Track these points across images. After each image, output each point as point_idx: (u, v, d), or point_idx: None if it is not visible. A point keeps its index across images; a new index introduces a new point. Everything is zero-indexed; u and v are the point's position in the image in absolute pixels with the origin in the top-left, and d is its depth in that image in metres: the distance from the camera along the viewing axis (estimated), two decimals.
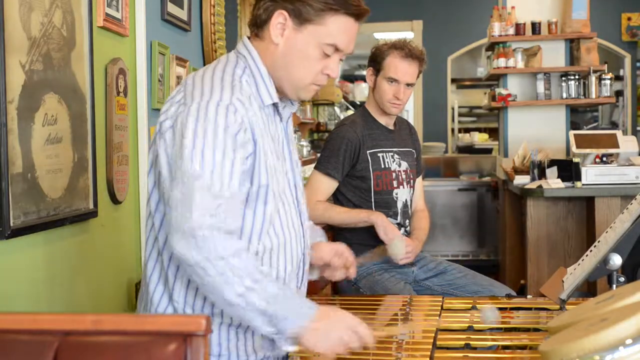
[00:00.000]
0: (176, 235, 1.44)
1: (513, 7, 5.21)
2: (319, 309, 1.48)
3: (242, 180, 1.51)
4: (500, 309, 2.14)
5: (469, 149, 7.89)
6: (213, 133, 1.47)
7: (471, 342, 1.77)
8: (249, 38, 1.67)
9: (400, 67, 2.78)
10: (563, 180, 4.35)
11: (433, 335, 1.83)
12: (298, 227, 1.69)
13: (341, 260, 1.89)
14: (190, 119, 1.49)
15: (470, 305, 2.14)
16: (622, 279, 1.87)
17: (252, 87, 1.61)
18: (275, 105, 1.66)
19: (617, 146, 4.41)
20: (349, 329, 1.48)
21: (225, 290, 1.43)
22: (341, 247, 1.90)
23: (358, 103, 8.10)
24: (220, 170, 1.46)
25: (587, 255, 1.96)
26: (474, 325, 1.93)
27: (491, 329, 1.92)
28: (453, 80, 8.54)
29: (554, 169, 4.43)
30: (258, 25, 1.63)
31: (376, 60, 2.84)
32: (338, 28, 1.58)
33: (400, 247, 2.60)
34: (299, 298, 1.50)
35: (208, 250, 1.42)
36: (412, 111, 8.35)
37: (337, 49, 1.60)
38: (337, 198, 2.88)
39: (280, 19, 1.58)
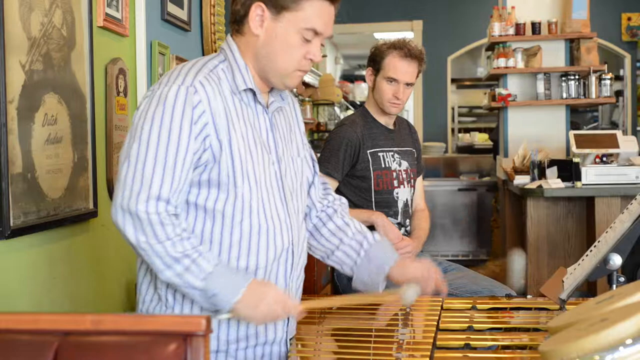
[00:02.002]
0: (120, 212, 1.52)
1: (513, 7, 5.21)
2: (250, 284, 1.56)
3: (192, 162, 1.56)
4: (500, 309, 2.15)
5: (469, 149, 7.89)
6: (169, 117, 1.53)
7: (471, 342, 1.77)
8: (231, 35, 1.72)
9: (399, 67, 2.77)
10: (563, 180, 4.35)
11: (433, 335, 1.83)
12: (284, 217, 1.71)
13: (432, 282, 1.88)
14: (151, 104, 1.56)
15: (470, 305, 2.14)
16: (622, 279, 1.87)
17: (228, 75, 1.66)
18: (253, 93, 1.69)
19: (617, 146, 4.41)
20: (277, 301, 1.58)
21: (164, 271, 1.52)
22: (430, 268, 1.89)
23: (358, 103, 8.10)
24: (171, 151, 1.53)
25: (587, 255, 1.96)
26: (474, 325, 1.93)
27: (491, 329, 1.92)
28: (453, 80, 8.54)
29: (554, 169, 4.43)
30: (237, 21, 1.68)
31: (375, 60, 2.84)
32: (314, 12, 1.62)
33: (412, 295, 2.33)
34: (232, 274, 1.57)
35: (149, 233, 1.51)
36: (412, 111, 8.35)
37: (316, 33, 1.64)
38: None
39: (258, 11, 1.63)
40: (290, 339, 1.79)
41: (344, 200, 2.04)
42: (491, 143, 7.53)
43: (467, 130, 8.84)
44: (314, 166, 1.93)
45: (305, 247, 1.85)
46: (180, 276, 1.52)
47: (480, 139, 8.09)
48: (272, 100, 1.75)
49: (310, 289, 3.23)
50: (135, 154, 1.52)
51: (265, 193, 1.66)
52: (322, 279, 3.50)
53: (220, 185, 1.61)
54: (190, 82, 1.57)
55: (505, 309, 2.14)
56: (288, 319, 1.75)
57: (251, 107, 1.69)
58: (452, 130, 8.50)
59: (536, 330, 1.90)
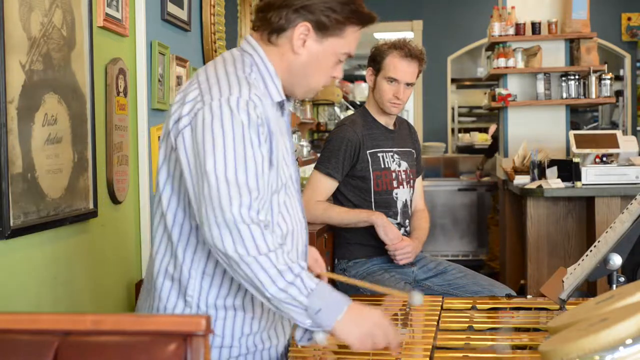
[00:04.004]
0: (215, 229, 1.46)
1: (513, 7, 5.20)
2: (352, 304, 1.53)
3: (268, 173, 1.56)
4: (500, 309, 2.15)
5: (468, 149, 7.89)
6: (240, 129, 1.50)
7: (471, 342, 1.77)
8: (254, 39, 1.69)
9: (399, 67, 2.78)
10: (563, 180, 4.35)
11: (433, 335, 1.83)
12: (301, 219, 1.74)
13: (317, 267, 1.91)
14: (214, 117, 1.51)
15: (470, 306, 2.14)
16: (622, 279, 1.87)
17: (260, 84, 1.64)
18: (280, 102, 1.70)
19: (617, 146, 4.41)
20: (379, 326, 1.54)
21: (268, 285, 1.47)
22: (316, 254, 1.93)
23: (358, 103, 8.10)
24: (251, 165, 1.50)
25: (587, 255, 1.96)
26: (474, 325, 1.93)
27: (491, 329, 1.92)
28: (453, 80, 8.54)
29: (554, 169, 4.43)
30: (274, 31, 1.65)
31: (376, 60, 2.84)
32: (353, 38, 1.68)
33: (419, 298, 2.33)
34: (334, 292, 1.54)
35: (251, 245, 1.46)
36: (412, 111, 8.35)
37: (348, 56, 1.70)
38: (337, 198, 2.88)
39: (302, 30, 1.63)
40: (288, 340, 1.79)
41: None
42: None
43: (467, 130, 8.84)
44: None
45: None
46: (285, 291, 1.47)
47: (480, 139, 8.09)
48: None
49: None
50: (215, 170, 1.48)
51: (288, 198, 1.68)
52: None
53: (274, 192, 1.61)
54: (247, 95, 1.54)
55: (505, 309, 2.14)
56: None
57: (278, 115, 1.70)
58: (452, 130, 8.49)
59: (536, 330, 1.90)
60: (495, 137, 6.74)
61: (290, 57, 1.65)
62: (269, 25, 1.65)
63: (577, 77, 5.10)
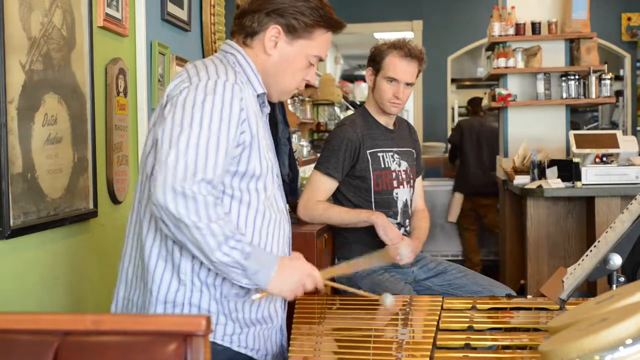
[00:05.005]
0: (171, 194, 1.54)
1: (513, 7, 5.20)
2: (280, 260, 1.68)
3: (232, 152, 1.65)
4: (500, 309, 2.15)
5: None
6: (219, 108, 1.61)
7: (471, 342, 1.77)
8: (235, 42, 1.83)
9: (399, 67, 2.77)
10: (563, 180, 4.35)
11: (433, 335, 1.83)
12: (283, 209, 1.85)
13: None
14: (198, 92, 1.62)
15: (470, 306, 2.14)
16: (622, 279, 1.87)
17: (243, 77, 1.76)
18: (261, 96, 1.81)
19: (617, 146, 4.41)
20: (306, 273, 1.73)
21: (214, 249, 1.57)
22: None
23: (358, 103, 8.10)
24: (223, 143, 1.60)
25: (587, 255, 1.96)
26: (474, 325, 1.93)
27: (491, 329, 1.92)
28: (453, 80, 8.54)
29: (554, 169, 4.43)
30: (248, 35, 1.80)
31: (375, 60, 2.84)
32: (323, 41, 1.82)
33: (406, 248, 2.66)
34: (265, 253, 1.70)
35: (204, 214, 1.55)
36: (412, 111, 8.35)
37: (320, 59, 1.84)
38: (337, 198, 2.88)
39: (274, 32, 1.77)
40: (288, 344, 1.82)
41: None
42: None
43: None
44: None
45: None
46: (229, 254, 1.58)
47: None
48: (264, 104, 1.88)
49: None
50: (185, 140, 1.57)
51: (274, 187, 1.80)
52: None
53: (249, 178, 1.71)
54: (234, 80, 1.66)
55: (505, 309, 2.14)
56: (286, 307, 1.89)
57: (259, 108, 1.81)
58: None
59: (536, 330, 1.90)
60: (453, 143, 6.75)
61: (263, 58, 1.79)
62: (244, 30, 1.80)
63: (577, 77, 5.10)
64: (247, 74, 1.77)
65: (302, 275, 1.71)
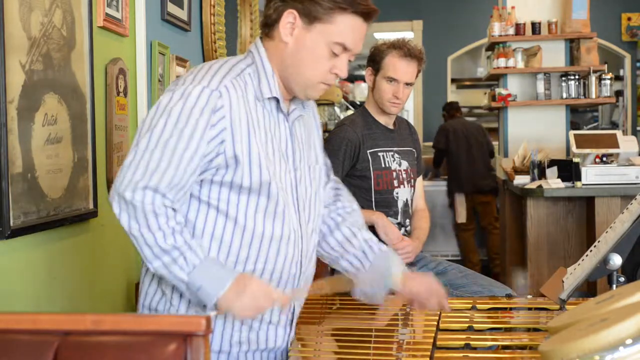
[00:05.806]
0: (116, 197, 1.52)
1: (513, 7, 5.21)
2: (238, 277, 1.54)
3: (199, 164, 1.56)
4: (500, 309, 2.15)
5: None
6: (187, 113, 1.53)
7: (471, 342, 1.77)
8: (261, 38, 1.71)
9: (399, 67, 2.77)
10: (563, 180, 4.35)
11: (433, 335, 1.83)
12: (297, 228, 1.70)
13: (435, 298, 1.86)
14: (173, 97, 1.56)
15: (470, 305, 2.14)
16: (622, 279, 1.87)
17: (254, 81, 1.65)
18: (277, 101, 1.68)
19: (617, 146, 4.41)
20: (259, 291, 1.55)
21: (153, 261, 1.52)
22: (435, 284, 1.87)
23: (358, 103, 8.10)
24: (179, 149, 1.52)
25: (587, 255, 1.95)
26: (474, 325, 1.93)
27: (491, 329, 1.92)
28: (453, 80, 8.54)
29: (554, 169, 4.43)
30: (269, 25, 1.66)
31: (375, 59, 2.83)
32: (346, 27, 1.61)
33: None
34: (219, 268, 1.55)
35: (142, 221, 1.50)
36: (412, 111, 8.35)
37: (345, 48, 1.63)
38: None
39: (289, 18, 1.62)
40: (290, 343, 1.79)
41: (355, 206, 2.00)
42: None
43: None
44: (327, 174, 1.94)
45: (314, 258, 1.83)
46: (167, 267, 1.51)
47: None
48: (294, 109, 1.74)
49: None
50: (144, 144, 1.53)
51: (281, 201, 1.66)
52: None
53: (237, 189, 1.61)
54: (215, 86, 1.57)
55: (505, 309, 2.14)
56: (290, 328, 1.77)
57: (273, 115, 1.68)
58: None
59: (536, 330, 1.90)
60: (438, 148, 6.72)
61: (281, 47, 1.65)
62: (265, 20, 1.67)
63: (577, 77, 5.10)
64: (260, 77, 1.66)
65: (256, 295, 1.55)
